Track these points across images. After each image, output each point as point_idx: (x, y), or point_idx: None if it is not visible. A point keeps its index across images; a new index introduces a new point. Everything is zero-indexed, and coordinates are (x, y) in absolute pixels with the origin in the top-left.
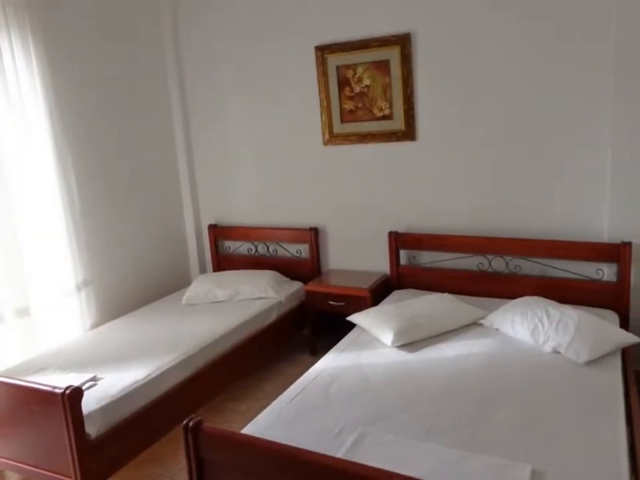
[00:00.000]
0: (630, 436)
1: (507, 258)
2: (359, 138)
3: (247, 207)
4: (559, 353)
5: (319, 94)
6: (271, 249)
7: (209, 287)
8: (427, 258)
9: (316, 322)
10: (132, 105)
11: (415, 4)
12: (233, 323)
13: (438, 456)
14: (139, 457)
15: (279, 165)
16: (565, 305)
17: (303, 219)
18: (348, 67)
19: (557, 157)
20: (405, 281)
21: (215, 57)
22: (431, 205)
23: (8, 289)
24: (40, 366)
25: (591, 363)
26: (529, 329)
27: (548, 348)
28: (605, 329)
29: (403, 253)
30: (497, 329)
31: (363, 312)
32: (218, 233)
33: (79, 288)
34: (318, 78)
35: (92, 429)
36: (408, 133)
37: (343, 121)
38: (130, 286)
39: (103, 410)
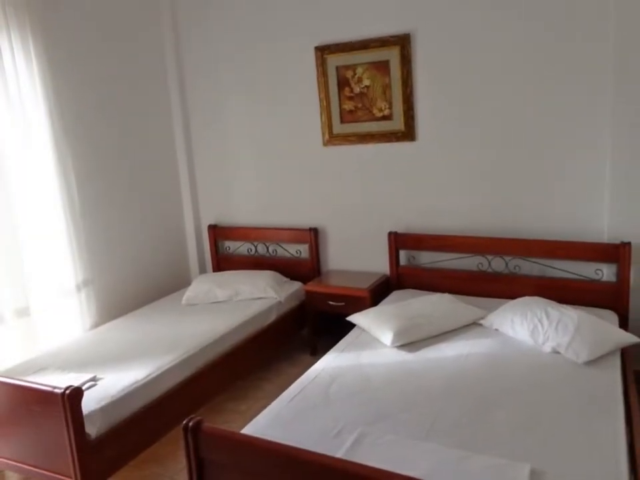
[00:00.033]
0: (629, 436)
1: (507, 258)
2: (359, 138)
3: (246, 207)
4: (558, 353)
5: (319, 94)
6: (270, 249)
7: (208, 287)
8: (427, 258)
9: (316, 322)
10: (132, 105)
11: (415, 4)
12: (233, 323)
13: (438, 456)
14: (138, 457)
15: (279, 165)
16: (564, 305)
17: (303, 219)
18: (348, 67)
19: (556, 157)
20: (405, 281)
21: (215, 57)
22: (431, 205)
23: (8, 289)
24: (40, 366)
25: (590, 363)
26: (528, 329)
27: (547, 348)
28: (604, 329)
29: (402, 253)
30: (496, 329)
31: (363, 312)
32: (218, 233)
33: (78, 288)
34: (318, 78)
35: (92, 429)
36: (407, 133)
37: (342, 121)
38: (130, 286)
39: (103, 410)
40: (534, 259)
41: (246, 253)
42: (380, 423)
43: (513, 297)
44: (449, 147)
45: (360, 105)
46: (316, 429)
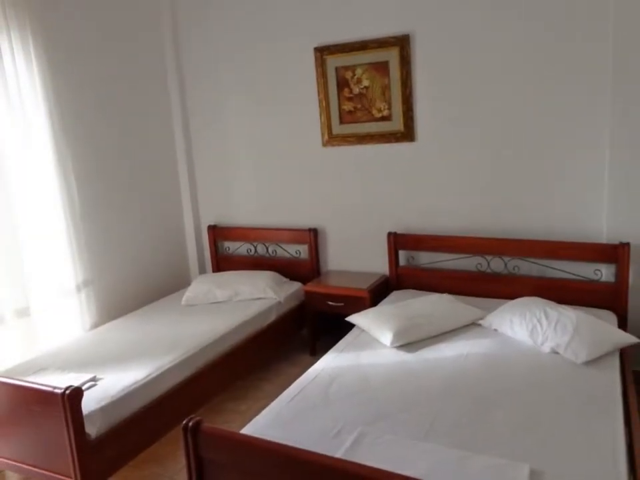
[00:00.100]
0: (628, 436)
1: (506, 258)
2: (358, 139)
3: (246, 207)
4: (557, 353)
5: (318, 95)
6: (270, 249)
7: (208, 287)
8: (426, 258)
9: (315, 322)
10: (132, 105)
11: (414, 5)
12: (233, 323)
13: (437, 456)
14: (138, 457)
15: (279, 166)
16: (563, 306)
17: (302, 219)
18: (347, 68)
19: (556, 157)
20: (404, 282)
21: (215, 57)
22: (430, 206)
23: (8, 289)
24: (40, 366)
25: (589, 363)
26: (527, 329)
27: (546, 348)
28: (603, 330)
29: (402, 254)
30: (495, 330)
31: (362, 312)
32: (217, 233)
33: (79, 288)
34: (317, 79)
35: (92, 429)
36: (407, 133)
37: (342, 122)
38: (130, 286)
39: (103, 410)
40: (533, 259)
41: (245, 253)
42: (379, 423)
43: (512, 297)
44: (449, 148)
45: (359, 106)
46: (315, 429)
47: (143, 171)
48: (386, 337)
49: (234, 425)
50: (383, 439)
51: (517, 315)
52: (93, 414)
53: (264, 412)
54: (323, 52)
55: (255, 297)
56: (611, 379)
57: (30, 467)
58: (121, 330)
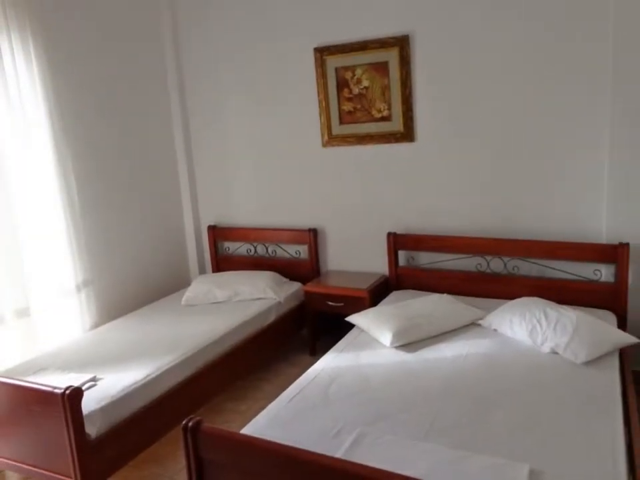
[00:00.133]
0: (628, 436)
1: (506, 259)
2: (358, 139)
3: (246, 207)
4: (557, 353)
5: (318, 95)
6: (270, 249)
7: (208, 287)
8: (426, 259)
9: (315, 322)
10: (132, 105)
11: (413, 6)
12: (233, 323)
13: (436, 456)
14: (138, 457)
15: (278, 166)
16: (563, 306)
17: (302, 219)
18: (347, 68)
19: (556, 157)
20: (404, 282)
21: (215, 57)
22: (430, 206)
23: (8, 289)
24: (40, 366)
25: (588, 363)
26: (527, 329)
27: (546, 348)
28: (602, 330)
29: (401, 254)
30: (495, 330)
31: (362, 312)
32: (217, 233)
33: (78, 288)
34: (317, 79)
35: (92, 429)
36: (406, 134)
37: (341, 122)
38: (130, 286)
39: (103, 410)
40: (533, 260)
41: (245, 253)
42: (379, 423)
43: (511, 298)
44: (448, 148)
45: (359, 106)
46: (315, 429)
47: (143, 171)
48: (386, 337)
49: (234, 425)
50: (383, 439)
51: (516, 315)
52: (92, 414)
53: (264, 412)
54: (322, 52)
55: (254, 297)
56: (610, 379)
57: (30, 467)
58: (121, 330)
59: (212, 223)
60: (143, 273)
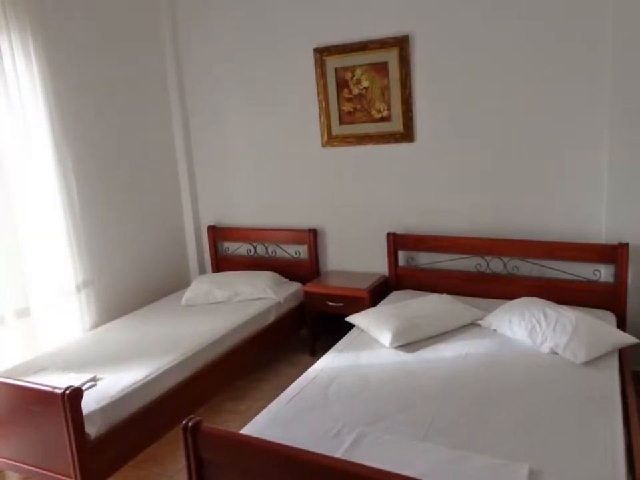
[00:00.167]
0: (627, 436)
1: (505, 259)
2: (358, 139)
3: (246, 208)
4: (556, 353)
5: (318, 96)
6: (269, 250)
7: (208, 287)
8: (426, 259)
9: (315, 322)
10: (132, 105)
11: (413, 6)
12: (232, 323)
13: (436, 456)
14: (138, 457)
15: (278, 166)
16: (562, 306)
17: (302, 220)
18: (346, 68)
19: (556, 157)
20: (404, 282)
21: (215, 57)
22: (430, 206)
23: (8, 289)
24: (40, 366)
25: (588, 363)
26: (526, 329)
27: (545, 348)
28: (602, 330)
29: (401, 254)
30: (494, 330)
31: (362, 313)
32: (217, 234)
33: (78, 288)
34: (317, 80)
35: (92, 429)
36: (406, 134)
37: (341, 122)
38: (130, 286)
39: (103, 410)
40: (532, 260)
41: (245, 253)
42: (379, 423)
43: (511, 298)
44: (448, 148)
45: (359, 107)
46: (315, 429)
47: (143, 171)
48: (385, 337)
49: (233, 425)
50: (382, 439)
51: (516, 315)
52: (92, 414)
53: (263, 412)
54: (322, 53)
55: (254, 297)
56: (610, 379)
57: (30, 467)
58: (121, 330)
59: (212, 223)
60: (142, 273)
